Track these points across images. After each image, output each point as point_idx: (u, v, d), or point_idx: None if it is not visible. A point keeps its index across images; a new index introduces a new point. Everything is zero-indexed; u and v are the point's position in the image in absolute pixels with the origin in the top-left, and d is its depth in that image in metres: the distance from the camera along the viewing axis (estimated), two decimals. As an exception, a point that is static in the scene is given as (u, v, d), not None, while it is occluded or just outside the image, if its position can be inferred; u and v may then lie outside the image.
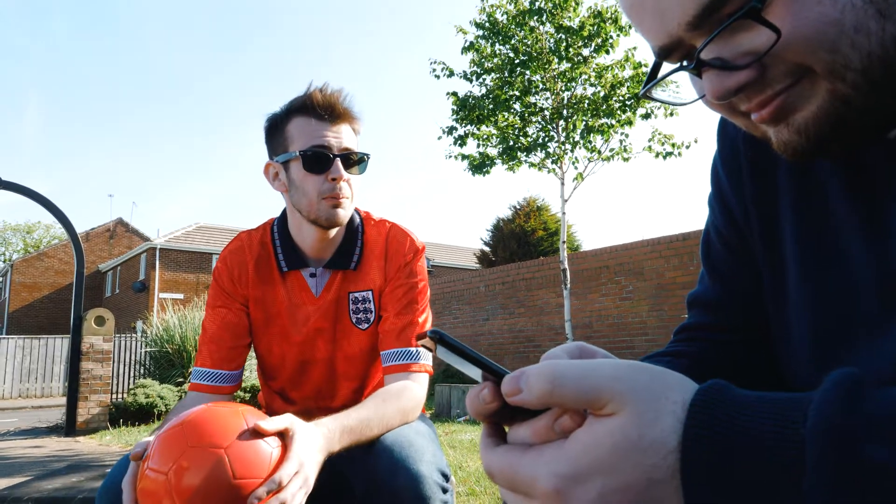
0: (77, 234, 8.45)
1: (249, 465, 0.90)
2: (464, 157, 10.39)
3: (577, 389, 0.39)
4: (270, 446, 0.94)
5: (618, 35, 9.48)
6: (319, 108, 1.34)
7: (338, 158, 1.34)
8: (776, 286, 0.67)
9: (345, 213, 1.37)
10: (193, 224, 29.79)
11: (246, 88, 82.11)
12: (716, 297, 0.76)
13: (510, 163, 10.22)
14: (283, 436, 0.98)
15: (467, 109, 10.39)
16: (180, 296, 25.69)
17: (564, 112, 9.94)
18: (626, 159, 9.81)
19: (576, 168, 9.97)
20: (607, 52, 9.54)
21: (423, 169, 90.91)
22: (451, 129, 10.43)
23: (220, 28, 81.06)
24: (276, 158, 1.41)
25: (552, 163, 10.05)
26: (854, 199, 0.58)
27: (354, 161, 1.38)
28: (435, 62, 10.56)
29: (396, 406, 1.25)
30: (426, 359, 1.36)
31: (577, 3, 9.58)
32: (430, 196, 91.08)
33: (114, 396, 9.69)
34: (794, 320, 0.64)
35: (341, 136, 1.36)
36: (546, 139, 10.06)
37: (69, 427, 7.96)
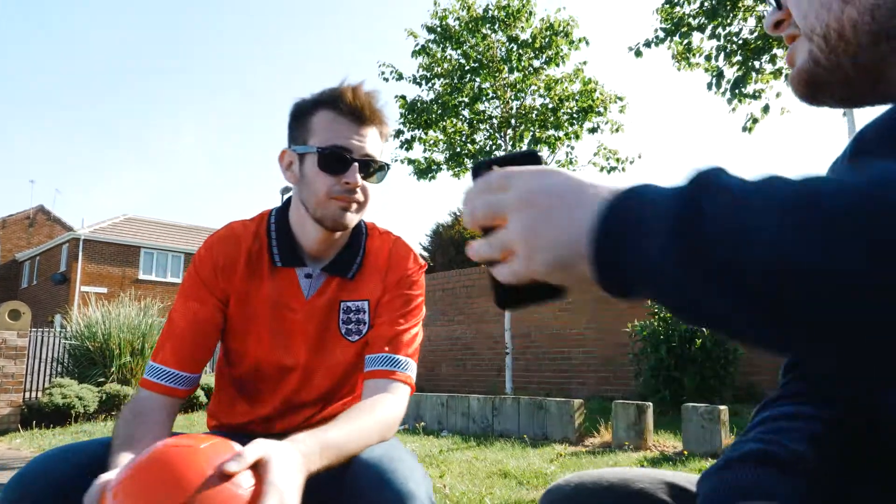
0: (-6, 221, 7.89)
1: None
2: (410, 161, 10.29)
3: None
4: (242, 487, 0.81)
5: (569, 49, 9.58)
6: (349, 107, 1.26)
7: (356, 163, 1.26)
8: None
9: (352, 217, 1.30)
10: (121, 215, 28.59)
11: (184, 79, 79.68)
12: None
13: (456, 169, 10.18)
14: (257, 465, 0.86)
15: (415, 113, 10.29)
16: (104, 290, 24.58)
17: (513, 121, 9.97)
18: (570, 172, 9.85)
19: (521, 178, 9.98)
20: (557, 64, 9.63)
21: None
22: (397, 133, 10.32)
23: (156, 9, 78.46)
24: (293, 147, 1.32)
25: (498, 171, 10.04)
26: None
27: (374, 169, 1.30)
28: (384, 65, 10.44)
29: (374, 420, 1.16)
30: (412, 371, 1.29)
31: (531, 14, 9.64)
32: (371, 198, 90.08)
33: (27, 395, 9.09)
34: None
35: (365, 141, 1.28)
36: (493, 147, 10.07)
37: (-25, 428, 7.41)
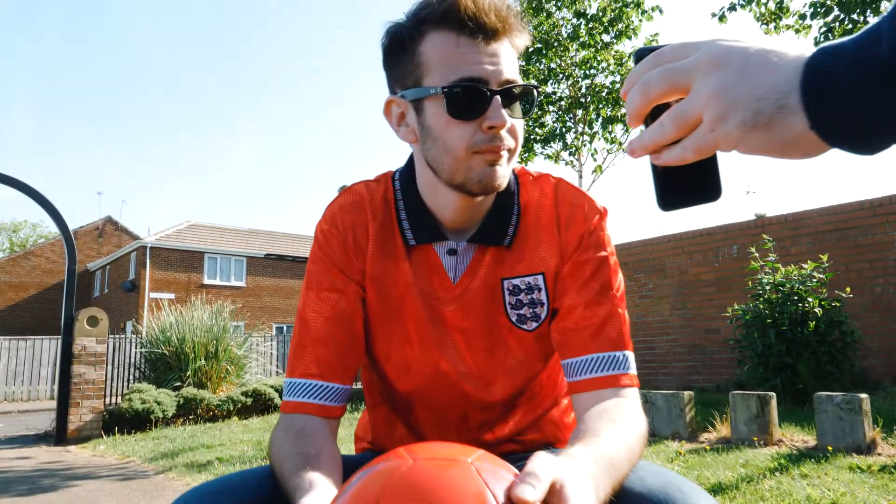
0: (69, 230, 7.95)
1: None
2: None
3: None
4: None
5: (640, 20, 9.05)
6: (471, 18, 0.87)
7: (497, 96, 0.88)
8: None
9: (505, 173, 0.92)
10: (185, 222, 29.16)
11: (237, 84, 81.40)
12: None
13: (524, 155, 9.78)
14: (549, 494, 0.58)
15: (478, 100, 9.93)
16: (171, 295, 25.11)
17: (583, 101, 9.49)
18: (646, 151, 9.31)
19: (594, 160, 9.55)
20: (629, 37, 9.12)
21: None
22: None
23: (210, 23, 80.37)
24: (402, 93, 0.94)
25: (569, 154, 9.60)
26: None
27: (517, 96, 0.91)
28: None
29: (634, 433, 0.82)
30: (634, 366, 0.93)
31: (599, -14, 9.15)
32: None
33: (107, 401, 9.15)
34: None
35: (500, 62, 0.89)
36: (563, 130, 9.60)
37: (59, 435, 7.43)
